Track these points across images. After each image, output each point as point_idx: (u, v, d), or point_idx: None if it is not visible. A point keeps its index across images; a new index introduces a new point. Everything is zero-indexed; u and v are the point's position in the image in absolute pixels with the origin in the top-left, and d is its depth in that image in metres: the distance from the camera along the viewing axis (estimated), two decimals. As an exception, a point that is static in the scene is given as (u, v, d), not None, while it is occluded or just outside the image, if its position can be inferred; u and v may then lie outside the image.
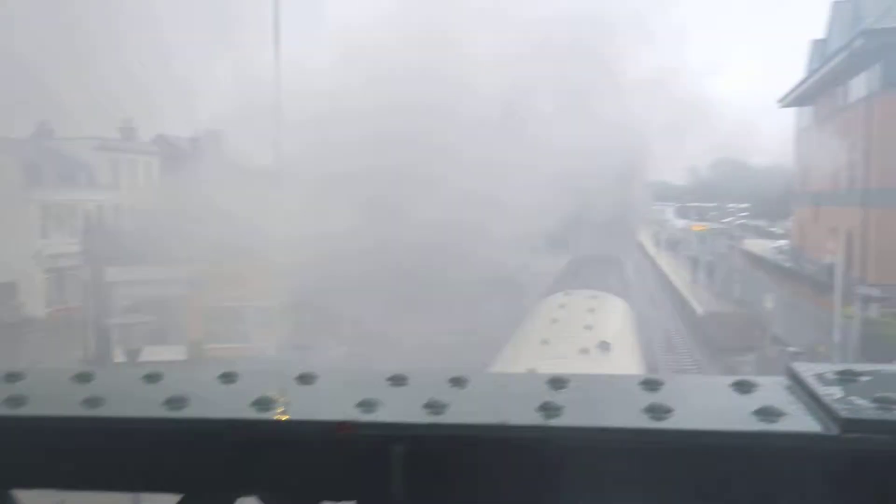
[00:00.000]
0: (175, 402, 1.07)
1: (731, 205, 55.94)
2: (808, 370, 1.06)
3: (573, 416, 0.98)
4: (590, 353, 13.20)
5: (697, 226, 64.91)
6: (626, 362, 13.47)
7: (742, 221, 57.03)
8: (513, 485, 0.98)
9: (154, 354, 30.31)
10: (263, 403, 1.06)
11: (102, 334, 31.35)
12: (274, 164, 34.09)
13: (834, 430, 0.90)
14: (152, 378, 1.19)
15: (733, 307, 36.84)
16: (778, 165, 73.92)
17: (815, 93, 46.85)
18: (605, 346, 13.64)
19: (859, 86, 38.19)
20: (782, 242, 57.70)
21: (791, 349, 25.13)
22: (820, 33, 47.75)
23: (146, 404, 1.08)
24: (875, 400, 0.93)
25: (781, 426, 0.92)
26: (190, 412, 1.07)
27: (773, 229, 73.40)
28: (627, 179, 36.45)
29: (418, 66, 27.47)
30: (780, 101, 54.04)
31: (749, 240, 57.05)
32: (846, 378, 1.03)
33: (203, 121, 33.01)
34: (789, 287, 35.09)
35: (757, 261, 47.27)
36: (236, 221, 29.81)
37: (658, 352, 30.16)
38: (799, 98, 50.57)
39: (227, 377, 1.18)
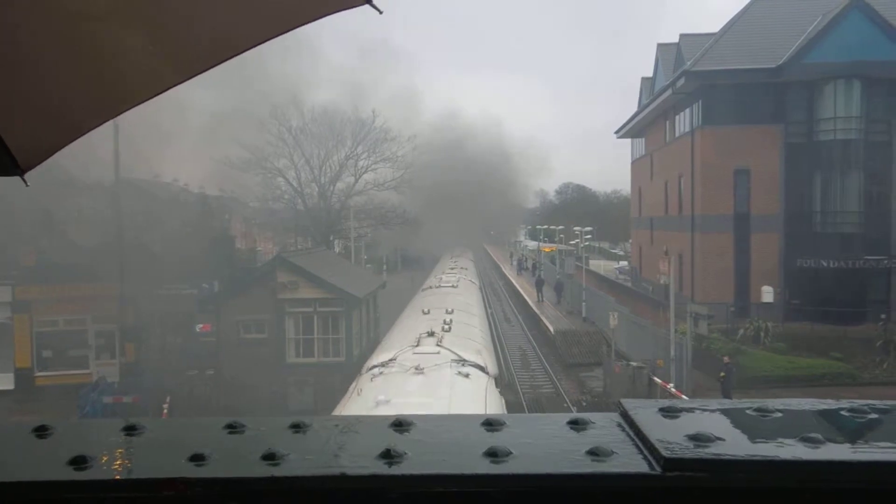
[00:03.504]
0: None
1: (577, 228, 59.57)
2: (635, 407, 1.12)
3: (414, 463, 0.98)
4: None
5: (547, 247, 68.74)
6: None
7: (587, 243, 60.90)
8: None
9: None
10: (81, 462, 0.98)
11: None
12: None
13: (657, 469, 0.94)
14: None
15: (581, 325, 39.15)
16: (616, 191, 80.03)
17: (646, 126, 51.21)
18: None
19: (683, 121, 42.04)
20: (624, 263, 62.21)
21: (634, 363, 27.31)
22: (649, 71, 52.25)
23: None
24: (692, 437, 0.98)
25: (610, 466, 0.96)
26: None
27: (615, 251, 79.15)
28: None
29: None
30: (617, 132, 58.67)
31: (594, 260, 61.03)
32: (669, 415, 1.09)
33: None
34: (631, 305, 37.92)
35: (602, 280, 50.71)
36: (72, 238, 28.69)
37: (516, 368, 31.91)
38: (632, 130, 55.05)
39: (41, 431, 1.11)
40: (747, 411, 1.11)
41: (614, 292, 43.49)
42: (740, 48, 36.98)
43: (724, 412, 1.12)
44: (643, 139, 53.35)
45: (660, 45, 49.55)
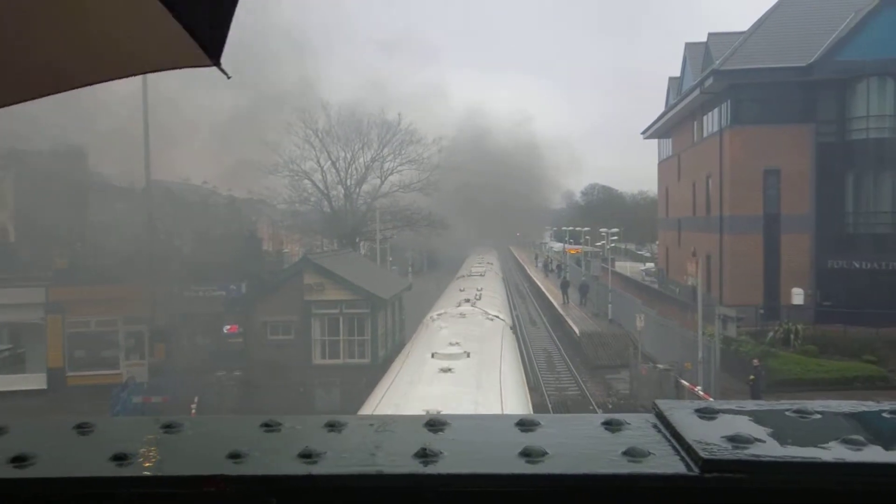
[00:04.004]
0: (20, 460, 1.00)
1: (602, 229, 59.17)
2: (671, 407, 1.11)
3: (450, 463, 0.98)
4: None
5: (572, 248, 68.32)
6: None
7: (613, 244, 60.49)
8: None
9: (10, 384, 28.58)
10: (123, 458, 1.00)
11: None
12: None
13: (695, 471, 0.94)
14: None
15: (607, 327, 38.88)
16: (642, 191, 79.49)
17: (673, 126, 50.73)
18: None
19: (712, 121, 41.57)
20: (650, 265, 61.59)
21: (660, 366, 27.05)
22: (677, 71, 51.75)
23: None
24: (730, 439, 0.98)
25: (647, 467, 0.96)
26: (36, 471, 0.99)
27: (641, 252, 78.46)
28: None
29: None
30: (644, 132, 58.19)
31: (620, 262, 60.49)
32: (705, 416, 1.08)
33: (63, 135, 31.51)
34: (658, 307, 37.54)
35: (628, 282, 50.28)
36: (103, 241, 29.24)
37: (541, 370, 31.76)
38: (659, 131, 54.57)
39: (82, 428, 1.12)
40: (786, 413, 1.10)
41: (641, 294, 43.09)
42: (770, 47, 36.49)
43: (762, 413, 1.11)
44: (670, 139, 52.86)
45: (687, 45, 49.06)
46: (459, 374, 12.12)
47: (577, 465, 0.98)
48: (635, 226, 72.55)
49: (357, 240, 53.74)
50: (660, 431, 1.07)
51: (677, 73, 51.22)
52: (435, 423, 1.11)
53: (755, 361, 24.69)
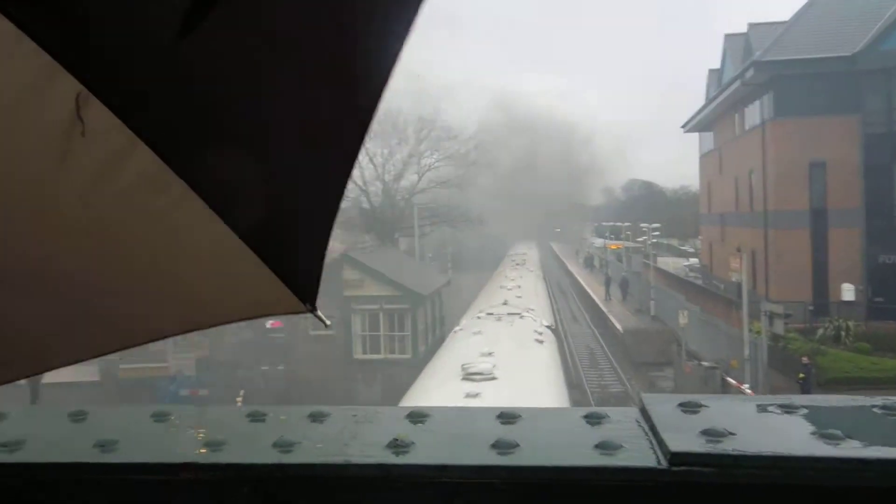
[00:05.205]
0: (10, 444, 1.05)
1: (643, 224, 58.54)
2: (654, 401, 1.10)
3: (421, 453, 0.99)
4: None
5: (613, 244, 67.65)
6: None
7: (655, 240, 59.79)
8: None
9: (64, 375, 29.28)
10: (108, 445, 1.04)
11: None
12: None
13: (664, 464, 0.94)
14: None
15: (650, 323, 38.42)
16: (684, 186, 78.51)
17: (714, 119, 49.83)
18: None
19: (753, 114, 40.76)
20: (694, 261, 60.62)
21: (705, 364, 26.63)
22: (716, 63, 50.82)
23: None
24: (704, 433, 0.97)
25: (618, 460, 0.96)
26: (23, 456, 1.03)
27: (684, 248, 77.31)
28: None
29: None
30: (684, 126, 57.26)
31: (662, 258, 59.67)
32: (688, 410, 1.07)
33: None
34: (701, 304, 36.97)
35: (670, 278, 49.63)
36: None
37: (584, 366, 31.58)
38: (700, 124, 53.65)
39: (77, 416, 1.16)
40: (769, 407, 1.08)
41: (684, 290, 42.46)
42: (813, 36, 35.59)
43: (746, 408, 1.09)
44: (711, 133, 51.96)
45: (727, 36, 48.14)
46: (486, 399, 11.07)
47: (547, 456, 0.98)
48: (677, 221, 71.57)
49: (396, 236, 54.02)
50: (640, 425, 1.06)
51: (716, 66, 50.33)
52: (415, 415, 1.12)
53: (804, 359, 24.14)
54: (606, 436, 1.01)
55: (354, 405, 1.21)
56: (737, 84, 39.89)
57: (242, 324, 32.97)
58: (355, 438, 1.06)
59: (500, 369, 12.45)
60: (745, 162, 41.66)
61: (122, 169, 0.90)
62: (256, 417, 1.15)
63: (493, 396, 11.11)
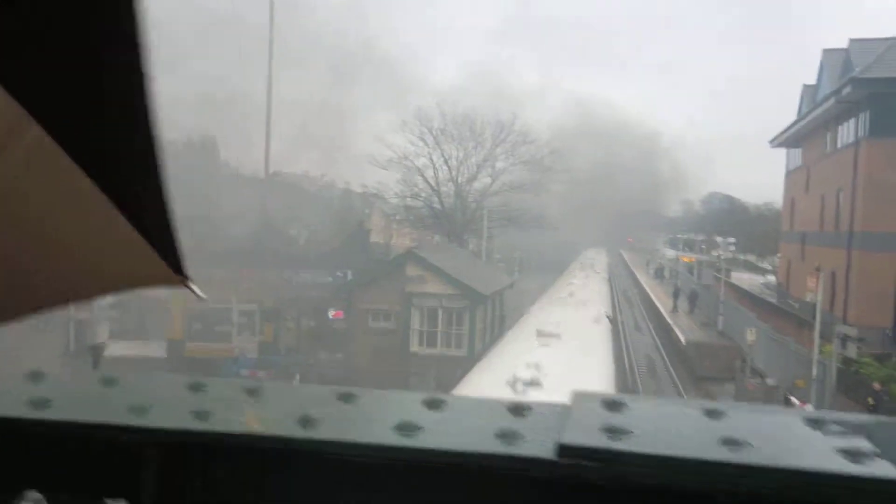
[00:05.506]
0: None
1: (718, 238, 56.73)
2: (583, 397, 1.11)
3: (328, 429, 1.03)
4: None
5: (686, 257, 65.75)
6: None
7: (730, 255, 57.80)
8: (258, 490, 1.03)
9: (132, 349, 30.73)
10: (40, 405, 1.09)
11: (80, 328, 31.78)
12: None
13: (552, 456, 0.94)
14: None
15: (716, 338, 37.31)
16: (767, 203, 75.55)
17: (804, 136, 47.82)
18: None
19: (847, 132, 38.88)
20: (770, 278, 58.29)
21: (769, 382, 25.62)
22: (811, 79, 48.81)
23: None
24: (606, 429, 0.97)
25: (514, 449, 0.97)
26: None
27: (762, 265, 74.37)
28: None
29: None
30: (772, 141, 55.18)
31: (737, 273, 57.67)
32: (612, 407, 1.05)
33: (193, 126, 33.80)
34: (773, 322, 35.61)
35: (742, 294, 47.95)
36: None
37: (641, 375, 30.89)
38: (789, 140, 51.60)
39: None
40: (691, 410, 1.06)
41: (756, 307, 40.93)
42: (918, 54, 33.70)
43: (670, 410, 1.08)
44: (799, 149, 49.94)
45: (825, 51, 46.09)
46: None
47: (451, 442, 1.01)
48: (757, 237, 69.02)
49: (465, 236, 54.20)
50: (563, 419, 1.06)
51: (810, 81, 48.34)
52: (347, 396, 1.14)
53: (876, 385, 22.90)
54: (516, 426, 1.02)
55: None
56: (831, 101, 38.26)
57: (305, 312, 33.89)
58: (369, 420, 1.11)
59: (564, 333, 16.59)
60: (834, 180, 39.88)
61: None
62: (195, 389, 1.18)
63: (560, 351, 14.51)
